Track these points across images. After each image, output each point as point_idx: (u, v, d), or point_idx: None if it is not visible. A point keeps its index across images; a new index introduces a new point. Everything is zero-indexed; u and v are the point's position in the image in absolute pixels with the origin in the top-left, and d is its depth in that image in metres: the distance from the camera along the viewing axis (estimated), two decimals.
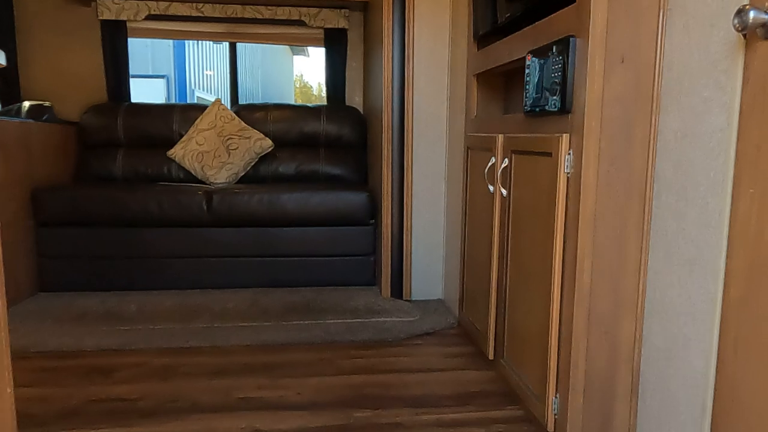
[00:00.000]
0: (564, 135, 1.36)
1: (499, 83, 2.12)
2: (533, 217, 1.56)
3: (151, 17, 3.35)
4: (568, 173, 1.37)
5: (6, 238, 2.46)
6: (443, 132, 2.68)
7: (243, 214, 2.76)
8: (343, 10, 3.45)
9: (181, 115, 3.24)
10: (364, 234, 2.89)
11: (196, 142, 3.10)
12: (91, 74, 3.39)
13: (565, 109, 1.36)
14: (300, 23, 3.49)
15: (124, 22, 3.32)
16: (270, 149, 3.20)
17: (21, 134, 2.60)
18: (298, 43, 3.69)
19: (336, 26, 3.47)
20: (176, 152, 3.11)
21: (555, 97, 1.39)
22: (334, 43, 3.50)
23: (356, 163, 3.32)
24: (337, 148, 3.36)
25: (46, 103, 3.03)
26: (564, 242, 1.40)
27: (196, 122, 3.17)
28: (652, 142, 1.31)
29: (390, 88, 2.60)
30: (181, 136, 3.20)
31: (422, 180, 2.70)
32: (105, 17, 3.27)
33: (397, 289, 2.76)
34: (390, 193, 2.68)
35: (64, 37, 3.34)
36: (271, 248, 2.83)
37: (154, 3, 3.30)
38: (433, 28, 2.61)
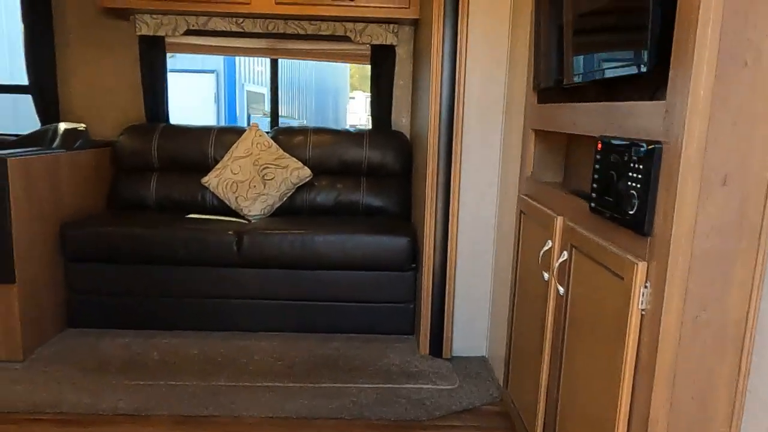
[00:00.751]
0: (641, 263, 1.09)
1: (561, 143, 1.84)
2: (595, 340, 1.29)
3: (190, 32, 3.19)
4: (642, 310, 1.10)
5: (35, 274, 2.38)
6: (495, 178, 2.41)
7: (274, 257, 2.58)
8: (391, 26, 3.19)
9: (218, 138, 3.09)
10: (403, 280, 2.67)
11: (231, 171, 2.94)
12: (128, 92, 3.28)
13: (644, 230, 1.08)
14: (345, 39, 3.25)
15: (163, 38, 3.18)
16: (308, 179, 3.01)
17: (50, 167, 2.50)
18: (343, 60, 3.46)
19: (383, 42, 3.21)
20: (210, 180, 2.96)
21: (631, 212, 1.11)
22: (381, 60, 3.25)
23: (400, 194, 3.08)
24: (379, 176, 3.13)
25: (81, 127, 2.93)
26: (632, 392, 1.13)
27: (231, 149, 3.01)
28: (756, 285, 1.03)
29: (437, 120, 2.35)
30: (217, 161, 3.05)
31: (469, 225, 2.45)
32: (143, 32, 3.13)
33: (437, 343, 2.54)
34: (433, 237, 2.44)
35: (103, 52, 3.23)
36: (303, 292, 2.65)
37: (194, 18, 3.13)
38: (488, 62, 2.33)
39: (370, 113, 3.35)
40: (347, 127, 3.34)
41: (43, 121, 3.24)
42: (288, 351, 2.49)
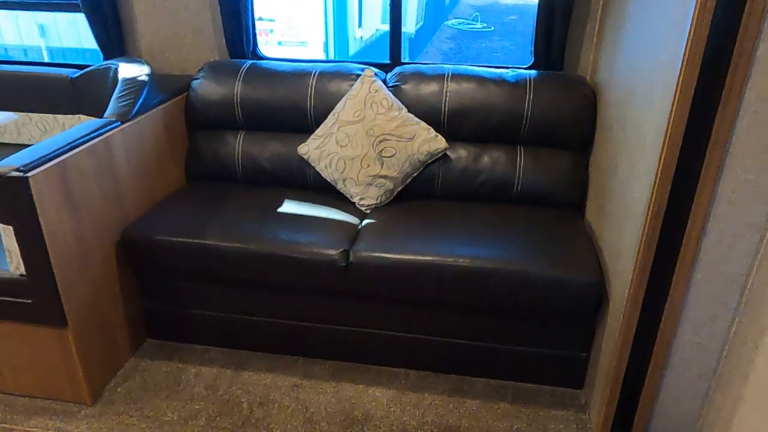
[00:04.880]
0: None
1: None
2: None
3: None
4: None
5: (94, 302, 1.86)
6: None
7: (393, 289, 1.86)
8: None
9: (319, 86, 2.23)
10: (575, 322, 1.87)
11: (337, 141, 2.13)
12: (208, 17, 2.45)
13: None
14: None
15: None
16: (442, 152, 2.14)
17: (100, 157, 1.85)
18: None
19: None
20: (310, 153, 2.18)
21: None
22: None
23: (572, 175, 2.14)
24: (544, 145, 2.18)
25: (144, 73, 2.20)
26: None
27: (337, 108, 2.16)
28: None
29: (692, 61, 1.35)
30: (317, 119, 2.23)
31: (716, 248, 1.53)
32: None
33: (623, 420, 1.78)
34: (638, 267, 1.56)
35: None
36: (430, 328, 1.95)
37: None
38: None
39: (532, 47, 2.28)
40: (494, 67, 2.32)
41: (103, 48, 2.54)
42: (405, 410, 1.86)
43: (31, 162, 1.60)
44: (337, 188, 2.18)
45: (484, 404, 1.92)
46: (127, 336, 2.07)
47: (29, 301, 1.71)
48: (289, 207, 2.10)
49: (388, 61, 2.44)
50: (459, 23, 13.85)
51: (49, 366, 1.84)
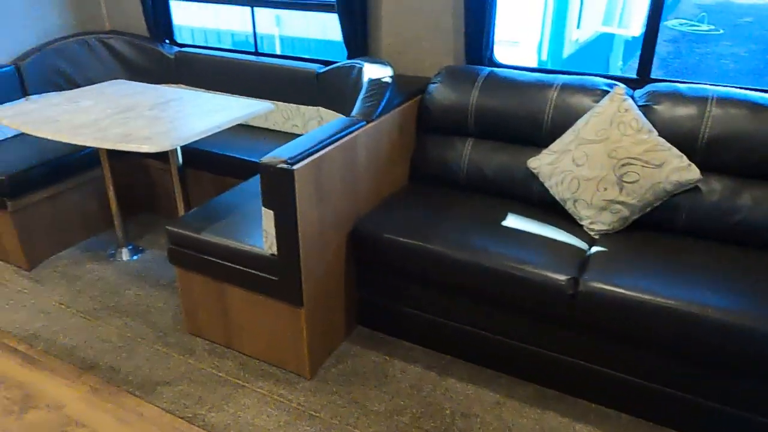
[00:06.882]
0: None
1: None
2: None
3: None
4: None
5: (324, 287, 2.01)
6: None
7: (625, 328, 1.72)
8: None
9: (559, 100, 2.14)
10: None
11: (573, 159, 2.02)
12: (444, 16, 2.48)
13: None
14: None
15: None
16: (694, 184, 1.93)
17: (346, 154, 1.98)
18: None
19: None
20: (541, 168, 2.11)
21: None
22: None
23: None
24: None
25: (388, 76, 2.30)
26: None
27: (577, 124, 2.06)
28: None
29: None
30: (554, 134, 2.14)
31: None
32: None
33: None
34: None
35: None
36: (656, 374, 1.77)
37: None
38: None
39: None
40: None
41: (348, 47, 2.71)
42: None
43: (296, 155, 1.76)
44: (565, 207, 2.08)
45: None
46: (343, 321, 2.21)
47: (276, 278, 1.90)
48: (514, 221, 2.06)
49: (635, 76, 2.26)
50: (681, 24, 12.55)
51: (280, 337, 2.04)
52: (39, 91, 3.04)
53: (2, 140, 2.88)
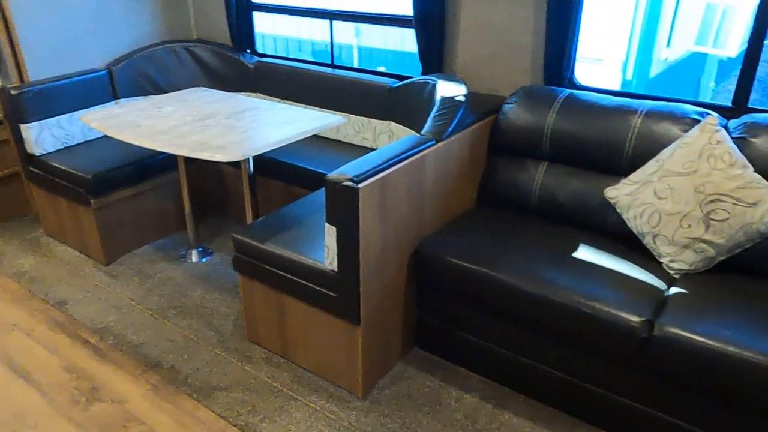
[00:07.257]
0: None
1: None
2: None
3: None
4: None
5: (383, 306, 1.98)
6: None
7: (699, 379, 1.58)
8: None
9: (643, 127, 2.02)
10: None
11: (655, 192, 1.89)
12: (523, 34, 2.40)
13: None
14: None
15: None
16: None
17: (413, 174, 1.94)
18: None
19: None
20: (619, 198, 1.99)
21: None
22: None
23: None
24: None
25: (461, 94, 2.25)
26: None
27: (662, 154, 1.92)
28: None
29: None
30: (635, 163, 2.02)
31: None
32: None
33: None
34: None
35: None
36: None
37: None
38: None
39: None
40: None
41: (423, 62, 2.68)
42: None
43: (362, 173, 1.74)
44: (643, 242, 1.95)
45: None
46: (400, 342, 2.17)
47: (334, 294, 1.89)
48: (586, 253, 1.95)
49: (730, 105, 2.10)
50: None
51: (335, 353, 2.02)
52: (128, 95, 3.20)
53: (92, 140, 3.06)
